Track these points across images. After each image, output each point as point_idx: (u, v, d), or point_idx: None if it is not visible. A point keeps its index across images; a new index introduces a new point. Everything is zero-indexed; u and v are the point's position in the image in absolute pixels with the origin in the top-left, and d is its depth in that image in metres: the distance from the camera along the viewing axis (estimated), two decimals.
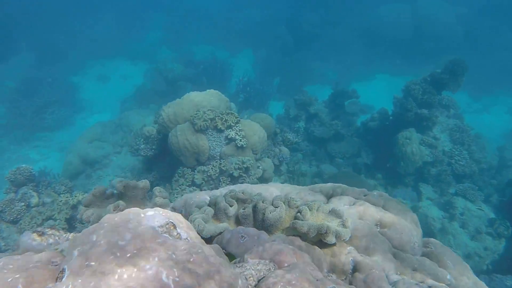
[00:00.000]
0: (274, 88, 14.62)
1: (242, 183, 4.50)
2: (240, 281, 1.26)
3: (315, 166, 8.56)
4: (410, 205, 6.55)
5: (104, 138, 9.03)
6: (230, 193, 2.28)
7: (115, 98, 14.89)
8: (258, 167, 5.21)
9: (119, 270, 1.07)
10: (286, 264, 1.50)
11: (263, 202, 2.07)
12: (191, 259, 1.18)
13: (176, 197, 4.60)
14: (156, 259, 1.13)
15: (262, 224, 2.03)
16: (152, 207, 1.43)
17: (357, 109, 10.02)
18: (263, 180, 5.72)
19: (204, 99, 5.40)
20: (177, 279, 1.09)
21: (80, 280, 1.04)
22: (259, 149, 5.20)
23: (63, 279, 1.08)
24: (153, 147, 5.83)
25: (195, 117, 4.73)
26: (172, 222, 1.35)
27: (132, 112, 9.83)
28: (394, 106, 8.44)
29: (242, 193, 2.24)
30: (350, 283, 1.73)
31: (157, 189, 3.02)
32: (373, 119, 8.98)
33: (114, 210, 2.63)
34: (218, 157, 4.78)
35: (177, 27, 22.03)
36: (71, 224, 5.36)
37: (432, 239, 2.32)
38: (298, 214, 1.98)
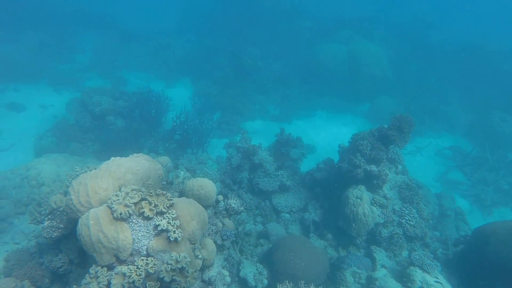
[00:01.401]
0: (214, 124, 13.78)
1: None
2: None
3: (261, 224, 7.82)
4: (365, 276, 6.04)
5: (4, 194, 7.36)
6: None
7: (30, 132, 12.89)
8: (197, 256, 4.27)
9: None
10: None
11: None
12: None
13: None
14: None
15: None
16: None
17: (300, 153, 9.57)
18: (203, 268, 4.77)
19: (129, 170, 4.37)
20: None
21: None
22: (198, 238, 4.26)
23: None
24: (61, 225, 4.58)
25: (114, 201, 3.69)
26: None
27: (45, 159, 8.22)
28: (341, 158, 8.11)
29: None
30: None
31: None
32: (320, 169, 8.58)
33: None
34: (144, 253, 3.75)
35: (108, 50, 20.39)
36: None
37: None
38: None
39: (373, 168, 6.95)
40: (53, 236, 4.58)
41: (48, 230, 4.58)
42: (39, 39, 19.06)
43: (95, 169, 4.66)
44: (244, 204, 8.27)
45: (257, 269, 6.21)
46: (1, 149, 11.86)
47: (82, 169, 5.64)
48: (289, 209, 8.18)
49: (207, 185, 5.32)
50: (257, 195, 8.48)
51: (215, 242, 5.08)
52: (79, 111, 12.30)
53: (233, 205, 5.67)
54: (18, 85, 15.79)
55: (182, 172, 6.72)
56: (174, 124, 12.60)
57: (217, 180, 8.19)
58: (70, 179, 5.39)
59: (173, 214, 3.89)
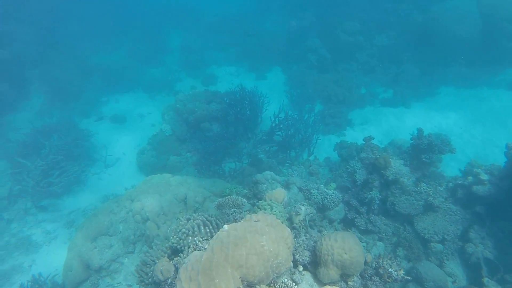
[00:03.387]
0: (317, 117, 12.03)
1: None
2: None
3: (405, 260, 5.98)
4: None
5: (112, 230, 6.83)
6: None
7: (131, 143, 12.89)
8: None
9: None
10: None
11: None
12: None
13: None
14: None
15: None
16: None
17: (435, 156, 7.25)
18: None
19: (251, 249, 3.01)
20: None
21: None
22: None
23: None
24: None
25: None
26: None
27: (147, 186, 7.53)
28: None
29: None
30: None
31: None
32: (480, 181, 6.27)
33: None
34: None
35: (195, 46, 19.87)
36: None
37: None
38: None
39: None
40: None
41: None
42: (131, 47, 19.43)
43: (204, 246, 3.40)
44: (378, 230, 6.52)
45: None
46: (109, 164, 11.98)
47: (187, 221, 4.56)
48: (441, 237, 6.15)
49: (352, 246, 3.72)
50: (392, 218, 6.62)
51: None
52: (174, 119, 11.74)
53: (390, 269, 3.97)
54: (118, 96, 16.15)
55: (302, 208, 5.23)
56: (272, 123, 11.25)
57: (339, 201, 6.55)
58: (175, 237, 4.35)
59: None
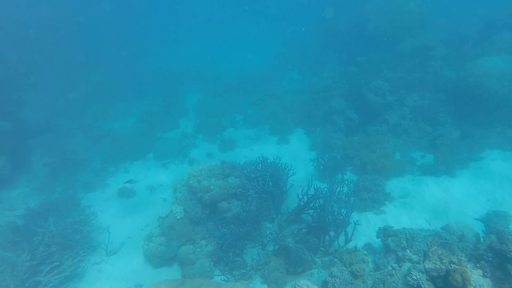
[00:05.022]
0: (351, 191, 10.35)
1: None
2: None
3: None
4: None
5: None
6: None
7: (139, 223, 11.35)
8: None
9: None
10: None
11: None
12: None
13: None
14: None
15: None
16: None
17: None
18: None
19: None
20: None
21: None
22: None
23: None
24: None
25: None
26: None
27: None
28: None
29: None
30: None
31: None
32: None
33: None
34: None
35: (212, 108, 18.93)
36: None
37: None
38: None
39: None
40: None
41: None
42: (144, 110, 18.62)
43: None
44: None
45: None
46: (112, 251, 10.32)
47: None
48: None
49: None
50: None
51: None
52: (187, 198, 10.21)
53: None
54: (128, 164, 14.94)
55: None
56: (301, 201, 9.60)
57: None
58: None
59: None
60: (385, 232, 7.95)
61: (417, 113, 13.52)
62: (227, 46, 30.33)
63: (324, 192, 9.65)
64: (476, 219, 8.72)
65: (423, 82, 14.37)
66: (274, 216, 10.18)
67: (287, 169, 10.57)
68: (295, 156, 13.76)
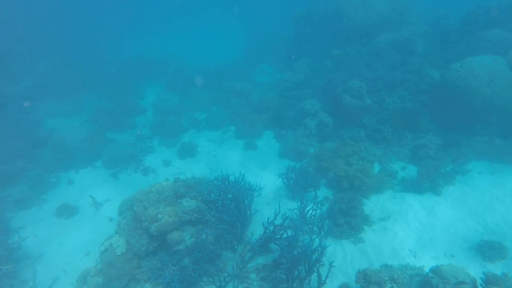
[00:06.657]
0: (324, 215, 9.06)
1: None
2: None
3: None
4: None
5: None
6: None
7: (78, 250, 9.62)
8: None
9: None
10: None
11: None
12: None
13: None
14: None
15: None
16: None
17: None
18: None
19: None
20: None
21: None
22: None
23: None
24: None
25: None
26: None
27: None
28: None
29: None
30: None
31: None
32: None
33: None
34: None
35: (171, 104, 17.04)
36: None
37: None
38: None
39: None
40: None
41: None
42: (96, 107, 16.46)
43: None
44: None
45: None
46: None
47: None
48: None
49: None
50: None
51: None
52: (131, 227, 8.51)
53: None
54: (72, 174, 12.97)
55: None
56: (267, 230, 8.19)
57: None
58: None
59: None
60: (365, 278, 6.63)
61: (397, 118, 12.25)
62: (196, 36, 28.09)
63: (293, 219, 8.25)
64: None
65: (404, 82, 13.08)
66: (236, 246, 8.70)
67: (252, 190, 9.05)
68: (263, 165, 12.24)
